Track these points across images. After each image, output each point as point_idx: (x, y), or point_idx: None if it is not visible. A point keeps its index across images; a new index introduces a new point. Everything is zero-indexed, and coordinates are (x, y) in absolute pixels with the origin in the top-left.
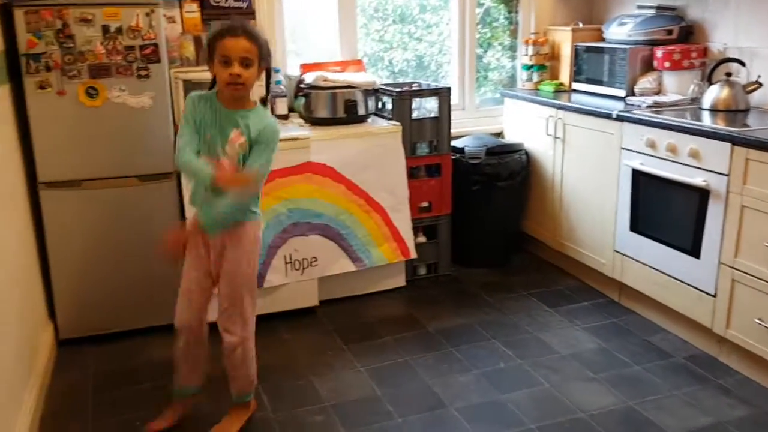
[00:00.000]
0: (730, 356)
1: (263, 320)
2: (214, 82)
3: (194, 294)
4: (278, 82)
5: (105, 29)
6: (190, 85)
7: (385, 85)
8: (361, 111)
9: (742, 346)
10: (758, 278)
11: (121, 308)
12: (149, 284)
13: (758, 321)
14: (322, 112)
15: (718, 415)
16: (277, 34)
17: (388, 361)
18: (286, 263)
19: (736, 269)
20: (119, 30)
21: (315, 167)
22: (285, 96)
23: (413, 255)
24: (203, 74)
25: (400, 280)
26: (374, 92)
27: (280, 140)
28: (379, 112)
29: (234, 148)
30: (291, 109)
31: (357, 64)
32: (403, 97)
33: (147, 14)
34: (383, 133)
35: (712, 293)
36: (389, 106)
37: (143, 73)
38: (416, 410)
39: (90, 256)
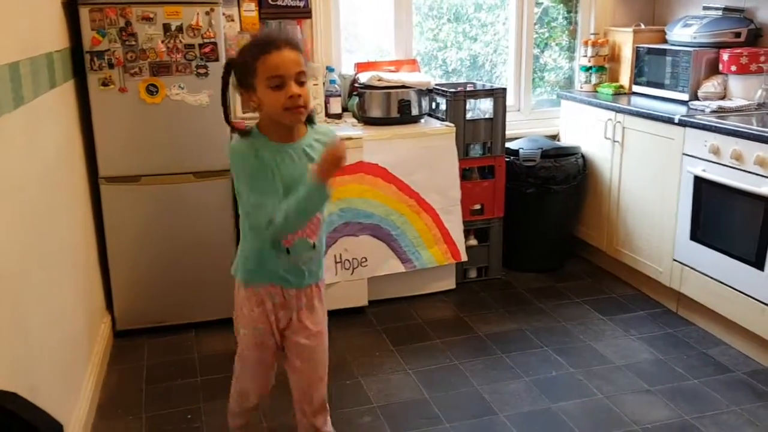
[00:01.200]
0: None
1: None
2: (230, 122)
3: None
4: (333, 81)
5: (166, 27)
6: None
7: (439, 85)
8: (415, 111)
9: None
10: None
11: (176, 302)
12: (202, 279)
13: None
14: (376, 112)
15: None
16: (333, 34)
17: (437, 365)
18: (336, 262)
19: None
20: (180, 28)
21: (367, 167)
22: (339, 95)
23: (464, 258)
24: None
25: (450, 283)
26: (428, 92)
27: None
28: (432, 113)
29: None
30: (344, 109)
31: (411, 63)
32: (458, 97)
33: (207, 13)
34: (436, 134)
35: None
36: (443, 106)
37: (202, 71)
38: (465, 416)
39: (146, 250)
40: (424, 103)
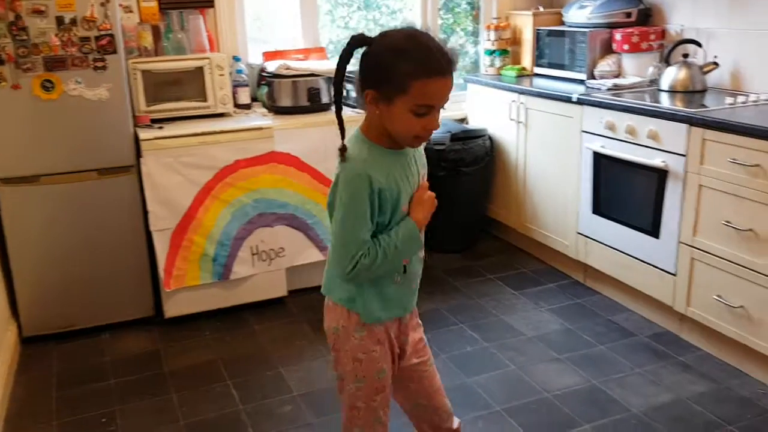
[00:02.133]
0: (691, 333)
1: (231, 312)
2: (342, 124)
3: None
4: (240, 71)
5: (59, 20)
6: (149, 76)
7: (349, 72)
8: (325, 99)
9: (702, 322)
10: (716, 256)
11: (85, 305)
12: (112, 280)
13: (717, 298)
14: (285, 101)
15: (679, 392)
16: (237, 22)
17: None
18: (253, 254)
19: (695, 248)
20: (74, 21)
21: (279, 157)
22: (247, 85)
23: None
24: (163, 65)
25: None
26: None
27: (244, 130)
28: (344, 100)
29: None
30: (254, 99)
31: (320, 51)
32: None
33: (102, 4)
34: (347, 121)
35: (673, 272)
36: (353, 94)
37: (100, 64)
38: None
39: (51, 253)
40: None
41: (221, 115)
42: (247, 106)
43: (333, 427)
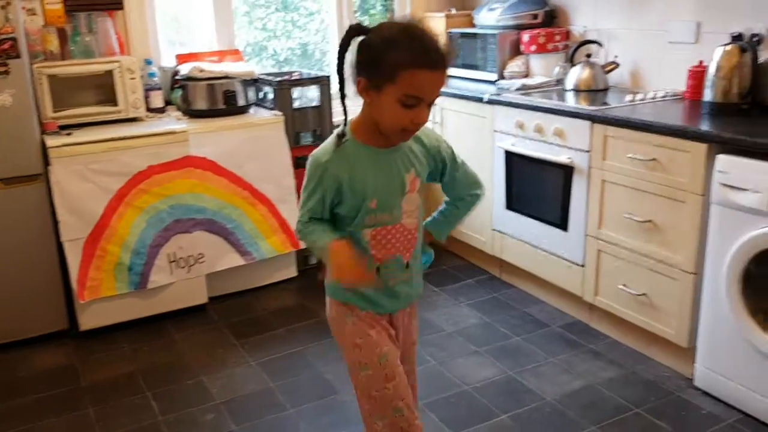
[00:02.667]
0: (600, 322)
1: (150, 321)
2: (346, 111)
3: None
4: (152, 74)
5: None
6: (56, 81)
7: (265, 74)
8: (241, 102)
9: (610, 311)
10: (620, 247)
11: None
12: (23, 293)
13: (622, 287)
14: (200, 104)
15: (589, 378)
16: (148, 25)
17: (281, 353)
18: (171, 262)
19: (600, 240)
20: None
21: (195, 161)
22: (160, 89)
23: (302, 245)
24: (70, 69)
25: (291, 271)
26: (254, 82)
27: (157, 135)
28: (260, 103)
29: (413, 201)
30: (168, 102)
31: (235, 53)
32: (283, 86)
33: (2, 7)
34: (264, 124)
35: (581, 263)
36: (270, 96)
37: (2, 69)
38: (309, 399)
39: None
40: (251, 93)
41: (133, 119)
42: (161, 110)
43: None
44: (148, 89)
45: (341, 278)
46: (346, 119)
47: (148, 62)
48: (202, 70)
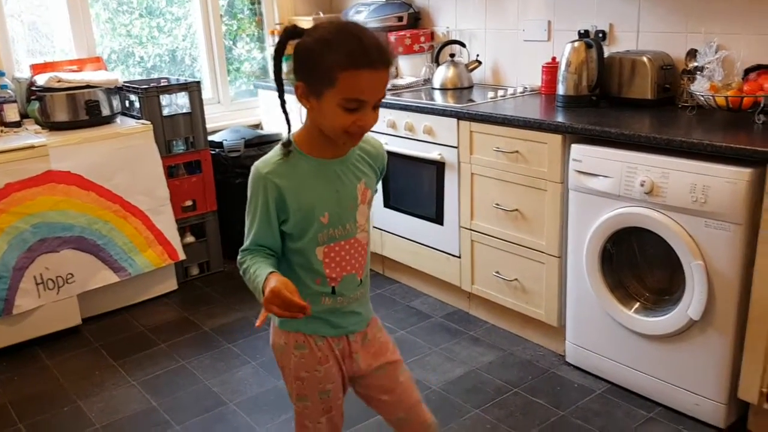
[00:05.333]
0: (478, 309)
1: (19, 349)
2: (288, 118)
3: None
4: (4, 86)
5: None
6: None
7: (129, 82)
8: (106, 111)
9: (486, 298)
10: (492, 236)
11: None
12: None
13: (496, 274)
14: (61, 116)
15: (471, 364)
16: None
17: (163, 369)
18: (38, 284)
19: (473, 231)
20: None
21: (58, 176)
22: (15, 101)
23: (182, 256)
24: None
25: (171, 284)
26: (119, 90)
27: (13, 150)
28: (127, 112)
29: (365, 213)
30: (24, 115)
31: (96, 61)
32: (150, 94)
33: None
34: (132, 133)
35: (457, 255)
36: (137, 104)
37: None
38: (195, 413)
39: None
40: (115, 102)
41: None
42: (17, 124)
43: None
44: (2, 102)
45: (277, 315)
46: (289, 129)
47: (0, 74)
48: (60, 80)
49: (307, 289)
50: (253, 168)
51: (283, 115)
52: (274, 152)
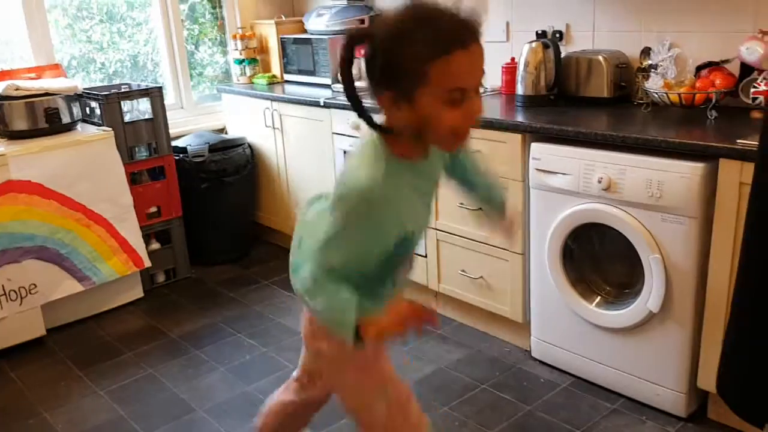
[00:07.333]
0: (446, 307)
1: None
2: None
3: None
4: None
5: None
6: None
7: (90, 89)
8: (66, 119)
9: (453, 296)
10: (457, 235)
11: None
12: None
13: (462, 272)
14: (20, 124)
15: (439, 362)
16: None
17: (131, 378)
18: (0, 295)
19: (439, 230)
20: None
21: (18, 185)
22: None
23: (147, 263)
24: None
25: (137, 292)
26: (78, 97)
27: None
28: (88, 119)
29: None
30: None
31: (55, 68)
32: (111, 100)
33: None
34: (93, 141)
35: (423, 255)
36: (98, 111)
37: None
38: (163, 421)
39: None
40: (75, 109)
41: None
42: None
43: None
44: None
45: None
46: (380, 139)
47: None
48: (18, 88)
49: (384, 290)
50: (355, 187)
51: (375, 130)
52: (373, 165)
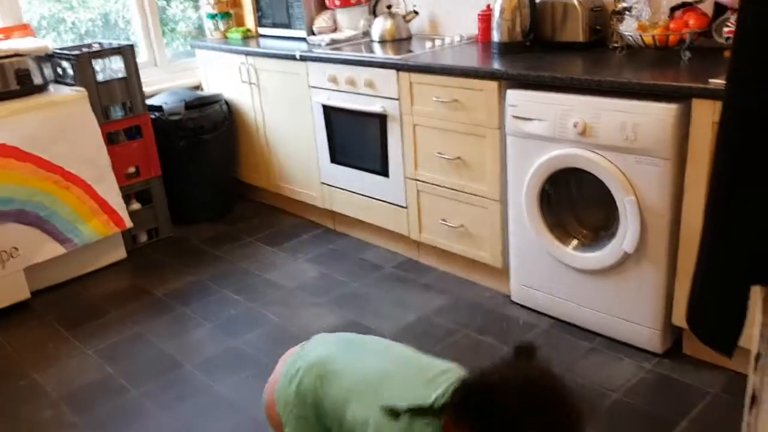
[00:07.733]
0: (428, 257)
1: None
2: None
3: None
4: None
5: None
6: None
7: (60, 49)
8: (38, 80)
9: (435, 245)
10: (436, 185)
11: None
12: None
13: (442, 222)
14: None
15: (422, 310)
16: None
17: (118, 337)
18: None
19: (418, 180)
20: None
21: None
22: None
23: (128, 224)
24: None
25: (120, 253)
26: (50, 58)
27: None
28: (61, 79)
29: None
30: None
31: (23, 29)
32: (82, 60)
33: None
34: (67, 101)
35: (404, 205)
36: (70, 71)
37: None
38: (152, 377)
39: None
40: (47, 70)
41: None
42: None
43: (98, 420)
44: None
45: None
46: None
47: None
48: None
49: None
50: None
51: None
52: None
